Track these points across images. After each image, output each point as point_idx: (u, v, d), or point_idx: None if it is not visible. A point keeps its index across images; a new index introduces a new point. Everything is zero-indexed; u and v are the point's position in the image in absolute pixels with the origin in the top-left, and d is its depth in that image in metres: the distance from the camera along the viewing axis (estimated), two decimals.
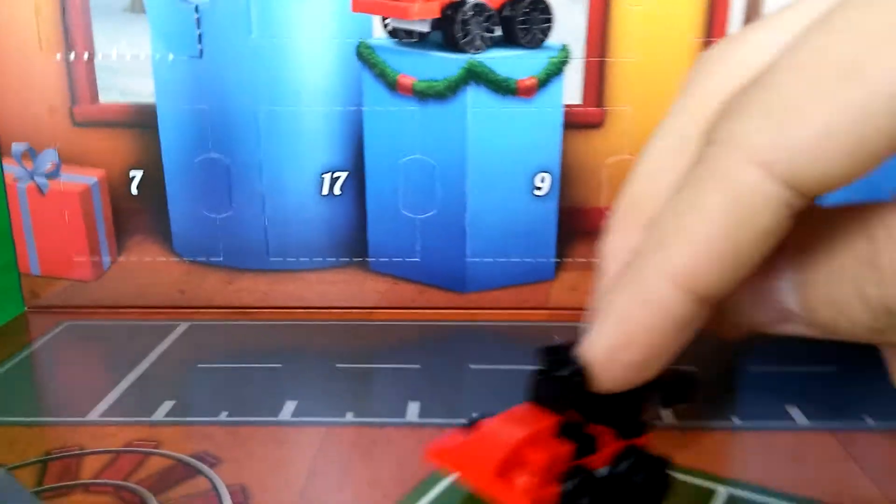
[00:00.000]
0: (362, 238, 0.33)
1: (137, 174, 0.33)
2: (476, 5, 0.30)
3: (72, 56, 0.32)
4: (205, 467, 0.21)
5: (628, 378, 0.15)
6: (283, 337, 0.31)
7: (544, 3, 0.31)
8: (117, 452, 0.22)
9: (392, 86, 0.31)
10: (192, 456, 0.22)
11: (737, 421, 0.23)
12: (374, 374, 0.28)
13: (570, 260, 0.33)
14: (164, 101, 0.32)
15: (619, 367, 0.15)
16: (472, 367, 0.28)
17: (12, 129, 0.33)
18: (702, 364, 0.20)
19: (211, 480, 0.20)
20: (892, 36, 0.12)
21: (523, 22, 0.31)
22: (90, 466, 0.21)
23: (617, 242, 0.17)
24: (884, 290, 0.13)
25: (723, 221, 0.13)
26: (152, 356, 0.29)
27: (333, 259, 0.33)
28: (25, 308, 0.34)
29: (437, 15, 0.31)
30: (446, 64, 0.31)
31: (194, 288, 0.34)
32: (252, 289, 0.34)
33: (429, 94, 0.31)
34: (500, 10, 0.31)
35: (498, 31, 0.31)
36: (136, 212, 0.33)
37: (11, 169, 0.33)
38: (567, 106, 0.31)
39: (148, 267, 0.34)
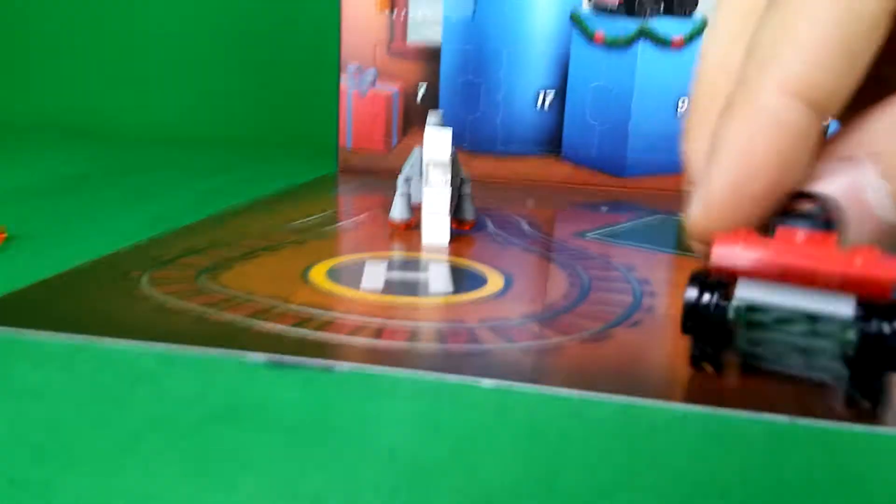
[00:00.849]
0: (559, 136, 0.51)
1: (422, 88, 0.53)
2: None
3: (394, 14, 0.53)
4: None
5: (759, 211, 0.15)
6: (504, 194, 0.49)
7: None
8: None
9: (590, 38, 0.50)
10: None
11: None
12: (557, 214, 0.45)
13: None
14: (447, 43, 0.52)
15: (748, 202, 0.15)
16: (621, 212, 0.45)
17: (351, 55, 0.53)
18: None
19: None
20: None
21: None
22: None
23: (700, 138, 0.17)
24: None
25: (831, 18, 0.13)
26: None
27: (539, 149, 0.52)
28: (337, 169, 0.54)
29: None
30: (626, 25, 0.49)
31: None
32: (485, 165, 0.52)
33: (613, 45, 0.50)
34: None
35: (661, 5, 0.49)
36: (417, 112, 0.53)
37: (345, 81, 0.54)
38: None
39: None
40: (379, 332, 0.22)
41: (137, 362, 0.19)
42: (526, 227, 0.37)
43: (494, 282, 0.28)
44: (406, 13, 0.53)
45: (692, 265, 0.19)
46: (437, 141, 0.33)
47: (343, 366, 0.19)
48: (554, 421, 0.17)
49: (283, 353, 0.20)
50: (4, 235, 0.30)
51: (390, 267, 0.29)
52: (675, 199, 0.46)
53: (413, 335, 0.22)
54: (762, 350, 0.18)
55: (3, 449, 0.15)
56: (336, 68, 0.54)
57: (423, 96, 0.53)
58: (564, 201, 0.46)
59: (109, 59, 0.76)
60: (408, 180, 0.35)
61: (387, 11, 0.53)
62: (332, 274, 0.28)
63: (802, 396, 0.18)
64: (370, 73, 0.53)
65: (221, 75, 0.73)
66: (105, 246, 0.30)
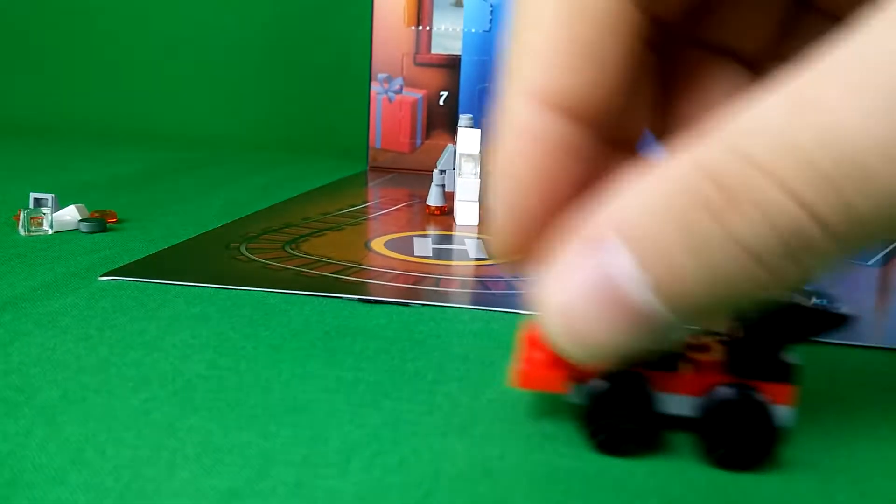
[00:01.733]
0: None
1: (444, 94, 0.60)
2: None
3: (420, 28, 0.59)
4: None
5: (541, 226, 0.14)
6: None
7: None
8: None
9: None
10: None
11: None
12: None
13: None
14: (466, 55, 0.59)
15: (526, 218, 0.14)
16: None
17: (381, 65, 0.60)
18: None
19: None
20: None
21: None
22: None
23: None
24: None
25: (556, 19, 0.13)
26: None
27: None
28: (367, 167, 0.61)
29: None
30: None
31: None
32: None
33: None
34: None
35: None
36: (439, 115, 0.60)
37: (374, 87, 0.60)
38: None
39: (440, 147, 0.60)
40: (437, 282, 0.29)
41: (266, 300, 0.26)
42: None
43: None
44: (430, 27, 0.59)
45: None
46: (468, 138, 0.39)
47: (415, 303, 0.26)
48: None
49: (369, 296, 0.27)
50: (116, 218, 0.37)
51: (434, 241, 0.36)
52: None
53: (463, 284, 0.29)
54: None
55: (189, 350, 0.22)
56: (366, 77, 0.61)
57: (445, 101, 0.60)
58: None
59: (167, 73, 0.83)
60: (442, 172, 0.42)
61: (412, 27, 0.59)
62: (389, 245, 0.35)
63: None
64: (397, 81, 0.60)
65: (265, 84, 0.80)
66: (197, 225, 0.37)
